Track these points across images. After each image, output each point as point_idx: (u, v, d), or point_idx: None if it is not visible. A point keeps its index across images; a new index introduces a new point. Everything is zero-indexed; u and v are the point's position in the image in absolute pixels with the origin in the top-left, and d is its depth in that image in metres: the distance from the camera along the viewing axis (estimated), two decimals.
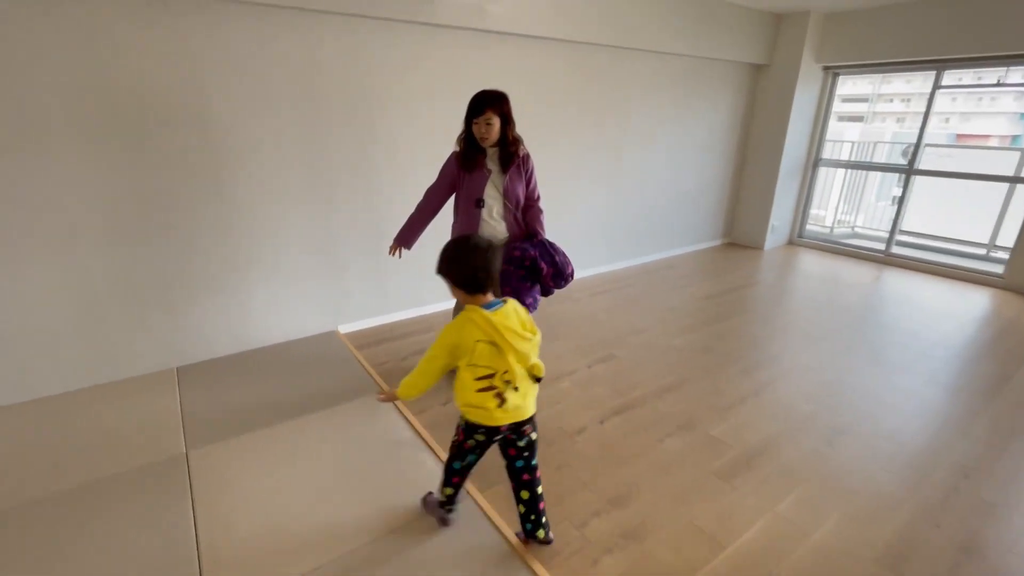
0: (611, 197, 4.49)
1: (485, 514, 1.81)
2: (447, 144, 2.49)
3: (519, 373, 1.46)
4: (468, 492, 1.89)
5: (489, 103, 2.22)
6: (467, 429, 1.56)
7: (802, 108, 5.15)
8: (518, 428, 1.53)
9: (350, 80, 2.88)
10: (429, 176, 2.48)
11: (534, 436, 1.59)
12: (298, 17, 2.64)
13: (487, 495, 1.91)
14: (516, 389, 1.47)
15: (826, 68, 5.18)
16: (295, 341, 3.08)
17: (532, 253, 2.34)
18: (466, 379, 1.47)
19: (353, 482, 1.94)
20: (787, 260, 5.25)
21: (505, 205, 2.38)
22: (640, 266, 4.90)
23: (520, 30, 3.30)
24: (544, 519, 1.67)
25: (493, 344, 1.41)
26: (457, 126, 2.34)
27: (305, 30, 2.68)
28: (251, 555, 1.61)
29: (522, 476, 1.62)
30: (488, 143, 2.28)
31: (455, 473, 1.66)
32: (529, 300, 2.44)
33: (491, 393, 1.46)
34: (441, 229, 2.48)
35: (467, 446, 1.59)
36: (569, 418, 2.42)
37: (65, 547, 1.61)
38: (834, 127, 5.56)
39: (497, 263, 1.48)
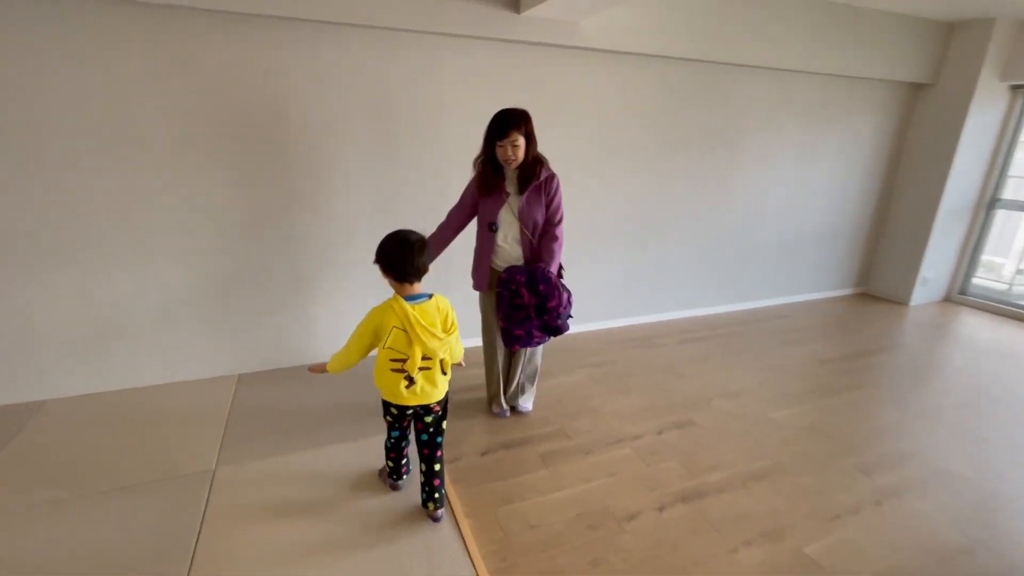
0: (712, 230, 3.96)
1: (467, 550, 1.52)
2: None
3: (430, 362, 1.66)
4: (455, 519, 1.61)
5: (514, 123, 2.06)
6: (383, 405, 1.78)
7: (976, 136, 4.17)
8: (426, 407, 1.73)
9: (428, 96, 2.79)
10: None
11: (440, 414, 1.78)
12: (385, 37, 2.60)
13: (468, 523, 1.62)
14: (424, 376, 1.66)
15: (1015, 87, 4.15)
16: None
17: (519, 278, 2.17)
18: (382, 360, 1.65)
19: (356, 533, 1.75)
20: (941, 321, 4.25)
21: (521, 230, 2.20)
22: (746, 312, 4.26)
23: (613, 46, 3.00)
24: (437, 495, 1.80)
25: (405, 332, 1.59)
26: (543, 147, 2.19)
27: (383, 49, 2.64)
28: None
29: (423, 450, 1.80)
30: (513, 165, 2.14)
31: (388, 449, 1.91)
32: (519, 332, 2.22)
33: (401, 376, 1.64)
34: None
35: (386, 421, 1.82)
36: (621, 497, 2.03)
37: (61, 545, 1.61)
38: (1021, 160, 4.44)
39: (425, 258, 1.65)
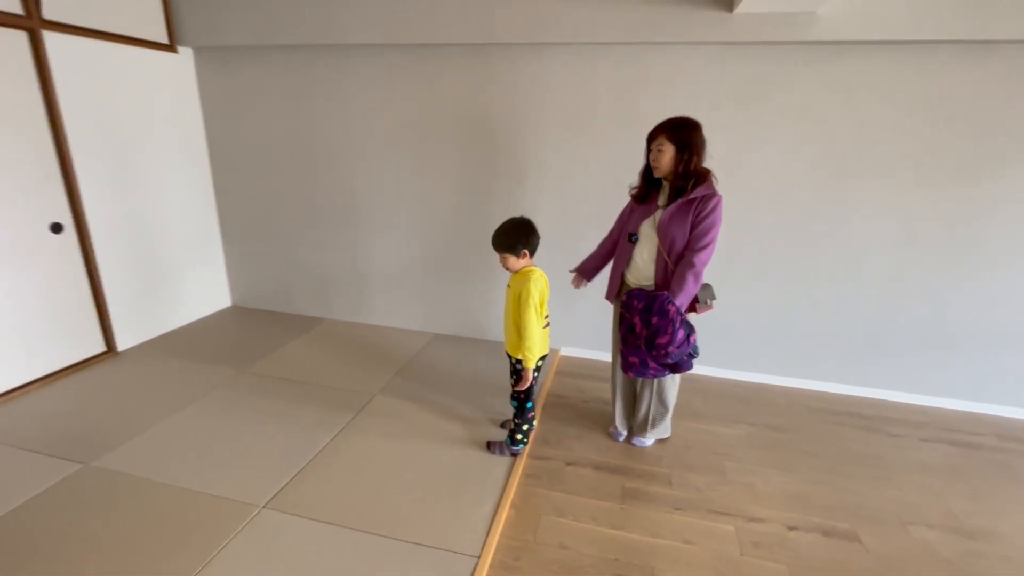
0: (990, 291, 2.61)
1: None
2: (740, 178, 2.11)
3: None
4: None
5: (663, 128, 1.95)
6: (533, 369, 2.08)
7: None
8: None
9: (624, 106, 2.80)
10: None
11: None
12: (584, 51, 2.77)
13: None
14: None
15: None
16: None
17: (636, 304, 2.02)
18: (537, 323, 2.01)
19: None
20: None
21: (659, 247, 2.00)
22: None
23: (861, 36, 2.34)
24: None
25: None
26: (760, 159, 2.08)
27: (581, 62, 2.78)
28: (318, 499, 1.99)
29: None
30: (659, 172, 2.00)
31: (532, 409, 2.22)
32: (633, 359, 2.07)
33: (548, 329, 2.14)
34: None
35: (533, 380, 2.12)
36: (677, 570, 1.72)
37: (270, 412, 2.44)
38: None
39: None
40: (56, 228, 2.65)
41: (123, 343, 3.06)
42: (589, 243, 2.50)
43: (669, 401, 2.33)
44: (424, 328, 3.55)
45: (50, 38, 2.52)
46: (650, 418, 2.35)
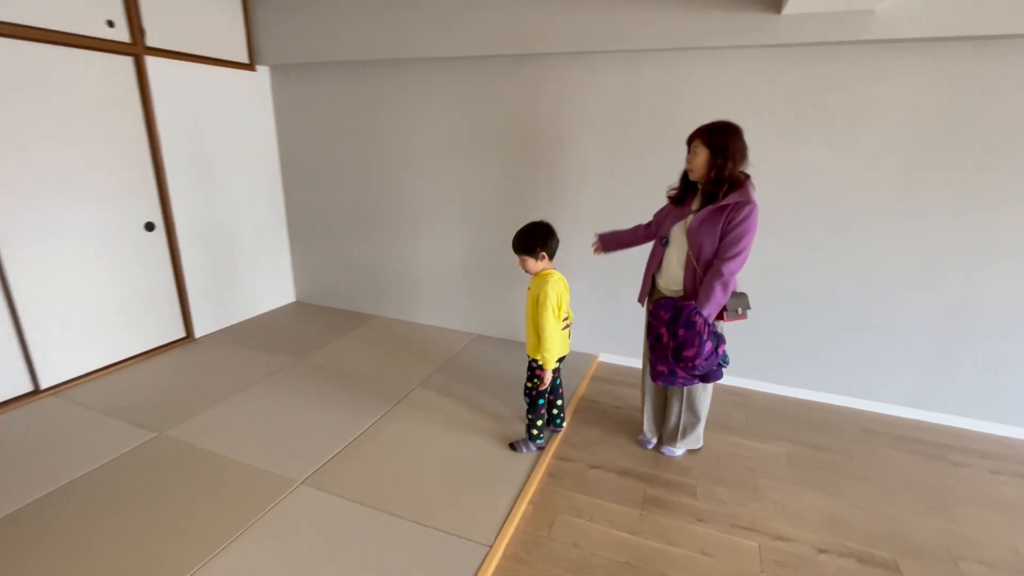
0: None
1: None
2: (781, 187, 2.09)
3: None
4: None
5: (699, 131, 1.94)
6: (552, 372, 2.16)
7: None
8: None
9: (667, 111, 2.78)
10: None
11: None
12: (631, 59, 2.78)
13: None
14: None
15: None
16: None
17: (663, 315, 2.00)
18: (556, 326, 2.07)
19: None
20: None
21: (688, 253, 1.98)
22: None
23: (925, 33, 2.19)
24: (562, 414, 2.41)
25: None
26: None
27: (626, 69, 2.80)
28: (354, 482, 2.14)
29: (559, 390, 2.38)
30: (693, 175, 1.99)
31: (543, 406, 2.26)
32: (662, 368, 2.05)
33: (568, 331, 2.20)
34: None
35: (553, 373, 2.21)
36: None
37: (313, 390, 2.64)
38: None
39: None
40: (149, 227, 3.03)
41: (200, 330, 3.42)
42: (629, 252, 2.51)
43: (700, 411, 2.28)
44: (466, 328, 3.67)
45: (151, 62, 2.90)
46: (680, 427, 2.31)
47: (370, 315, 3.93)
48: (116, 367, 2.94)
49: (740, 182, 1.92)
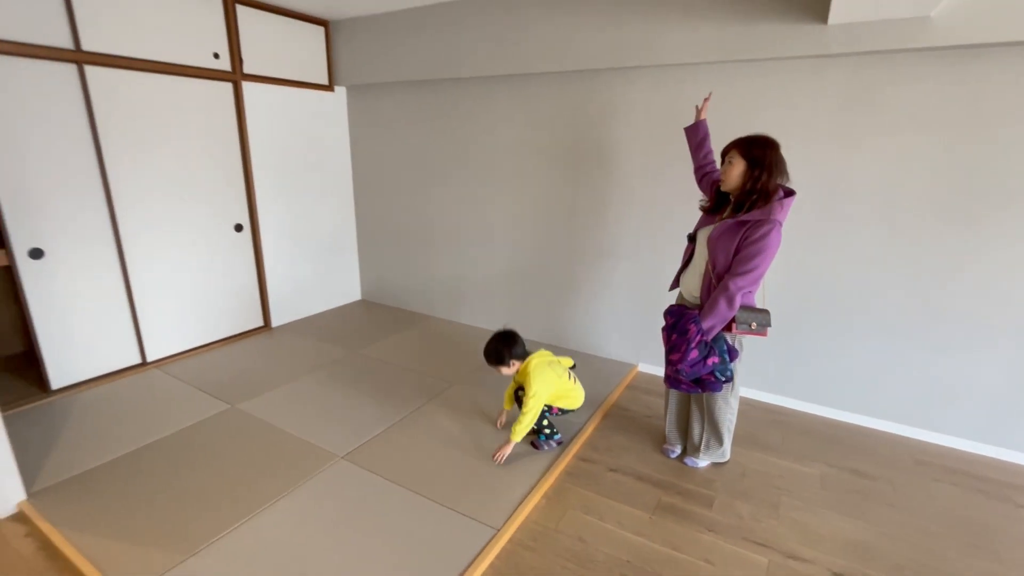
0: None
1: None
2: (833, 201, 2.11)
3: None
4: None
5: (737, 143, 1.96)
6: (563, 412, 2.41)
7: None
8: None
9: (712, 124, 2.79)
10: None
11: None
12: (673, 72, 2.82)
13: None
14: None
15: None
16: (597, 357, 3.43)
17: (668, 319, 2.10)
18: (539, 409, 2.27)
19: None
20: None
21: (706, 262, 2.01)
22: None
23: (987, 38, 2.05)
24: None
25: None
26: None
27: (669, 83, 2.84)
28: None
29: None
30: (726, 186, 2.00)
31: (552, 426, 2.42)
32: (669, 371, 2.13)
33: (575, 380, 2.42)
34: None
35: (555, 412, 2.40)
36: None
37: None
38: None
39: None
40: (238, 228, 3.49)
41: (276, 321, 3.86)
42: (670, 261, 2.57)
43: (720, 423, 2.26)
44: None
45: (247, 86, 3.36)
46: (703, 439, 2.30)
47: (423, 315, 4.20)
48: (205, 348, 3.41)
49: (770, 197, 1.91)
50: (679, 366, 1.99)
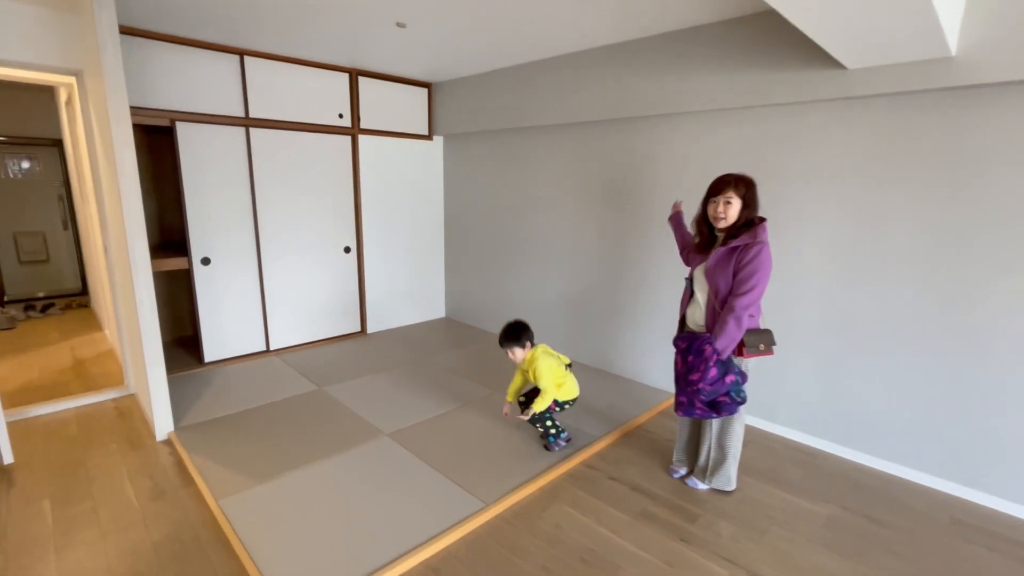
0: None
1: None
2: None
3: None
4: None
5: (732, 183, 2.14)
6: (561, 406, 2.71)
7: None
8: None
9: (745, 164, 2.92)
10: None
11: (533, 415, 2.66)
12: (712, 117, 3.03)
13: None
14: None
15: None
16: (638, 383, 3.57)
17: (680, 344, 2.23)
18: (553, 386, 2.62)
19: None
20: None
21: (708, 293, 2.19)
22: None
23: (1013, 76, 1.99)
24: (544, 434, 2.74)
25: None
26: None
27: (708, 127, 3.03)
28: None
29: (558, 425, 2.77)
30: (721, 224, 2.16)
31: (551, 417, 2.71)
32: (682, 398, 2.24)
33: (571, 373, 2.75)
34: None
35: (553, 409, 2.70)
36: None
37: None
38: None
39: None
40: (347, 250, 4.34)
41: (371, 328, 4.62)
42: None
43: (728, 449, 2.34)
44: (557, 352, 4.10)
45: (362, 139, 4.24)
46: (710, 463, 2.40)
47: (486, 331, 4.68)
48: (312, 344, 4.24)
49: (755, 224, 2.09)
50: (699, 385, 2.11)
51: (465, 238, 4.85)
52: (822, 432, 2.81)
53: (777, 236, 2.85)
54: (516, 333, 2.65)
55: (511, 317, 4.56)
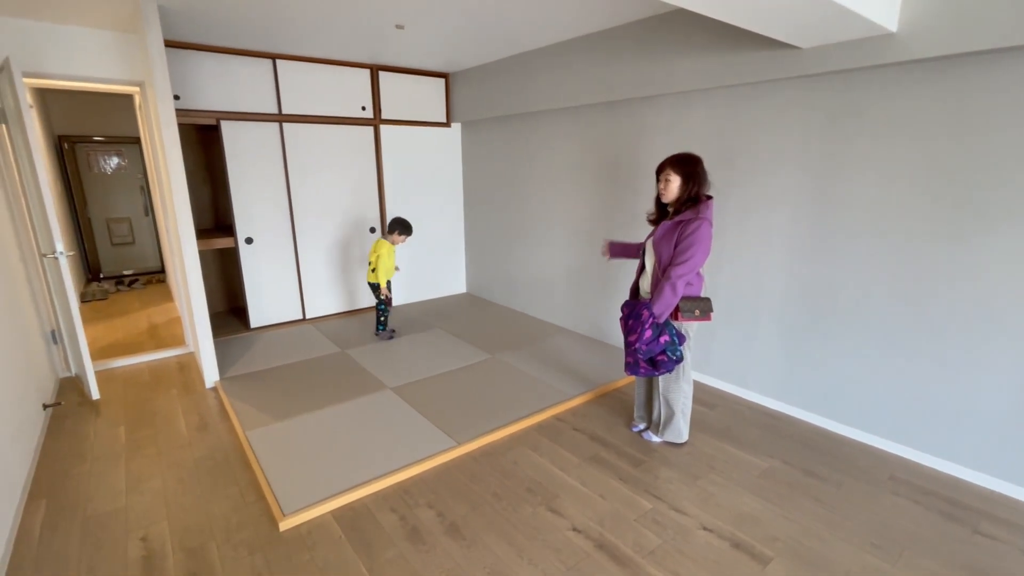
0: None
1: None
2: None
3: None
4: None
5: (671, 162, 2.36)
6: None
7: None
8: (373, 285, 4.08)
9: (719, 146, 3.06)
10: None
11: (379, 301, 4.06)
12: (682, 97, 3.18)
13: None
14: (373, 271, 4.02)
15: None
16: None
17: (624, 310, 2.50)
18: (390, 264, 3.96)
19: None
20: None
21: (654, 263, 2.42)
22: None
23: (953, 49, 2.03)
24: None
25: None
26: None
27: (680, 107, 3.18)
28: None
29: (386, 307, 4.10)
30: (666, 198, 2.40)
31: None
32: (629, 359, 2.50)
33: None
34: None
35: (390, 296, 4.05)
36: (577, 508, 2.18)
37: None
38: None
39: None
40: (372, 230, 4.81)
41: (395, 302, 5.11)
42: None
43: (675, 404, 2.58)
44: (558, 322, 4.40)
45: (383, 128, 4.67)
46: (661, 418, 2.65)
47: (499, 304, 5.04)
48: (343, 314, 4.79)
49: (700, 202, 2.30)
50: (636, 345, 2.39)
51: (482, 219, 5.20)
52: (788, 398, 2.96)
53: (746, 211, 3.00)
54: (408, 224, 4.03)
55: (524, 290, 4.92)
